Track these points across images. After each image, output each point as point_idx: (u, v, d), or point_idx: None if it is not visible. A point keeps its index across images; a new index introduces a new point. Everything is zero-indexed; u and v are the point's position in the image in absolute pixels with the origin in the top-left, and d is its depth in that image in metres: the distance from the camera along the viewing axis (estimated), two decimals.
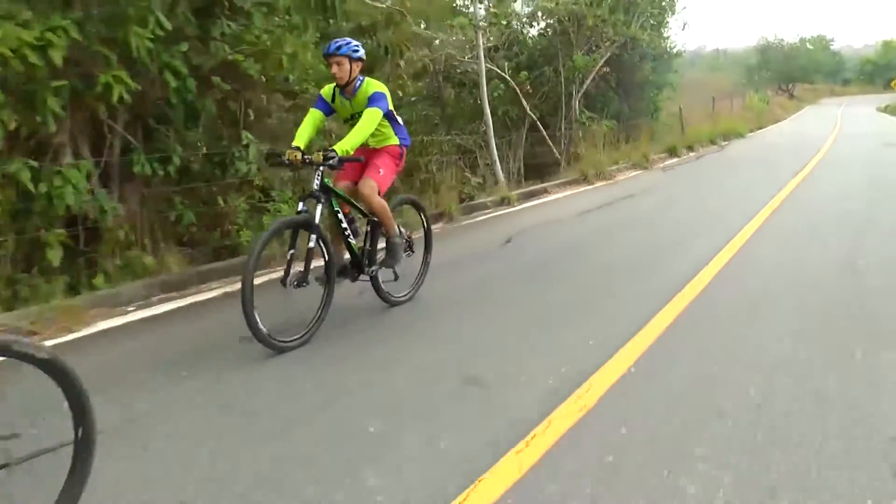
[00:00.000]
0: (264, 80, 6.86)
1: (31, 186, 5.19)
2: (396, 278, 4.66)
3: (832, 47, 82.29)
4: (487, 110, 12.26)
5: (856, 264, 5.15)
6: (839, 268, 5.07)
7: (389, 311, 4.41)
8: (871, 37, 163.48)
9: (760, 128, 26.37)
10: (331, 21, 7.45)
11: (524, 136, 14.40)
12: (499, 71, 13.69)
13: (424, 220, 5.11)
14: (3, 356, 1.94)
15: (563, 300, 4.54)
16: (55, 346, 3.73)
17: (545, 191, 9.84)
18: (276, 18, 6.69)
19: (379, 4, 7.68)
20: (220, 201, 6.95)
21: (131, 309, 4.49)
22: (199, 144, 6.61)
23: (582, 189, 10.22)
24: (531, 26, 16.15)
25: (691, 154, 15.50)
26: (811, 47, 77.09)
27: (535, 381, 3.11)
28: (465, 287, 4.99)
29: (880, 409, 2.75)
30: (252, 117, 6.78)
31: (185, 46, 5.86)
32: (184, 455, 2.58)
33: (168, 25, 5.50)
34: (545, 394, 2.94)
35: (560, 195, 9.66)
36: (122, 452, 2.57)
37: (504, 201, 8.53)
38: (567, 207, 8.42)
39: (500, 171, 11.91)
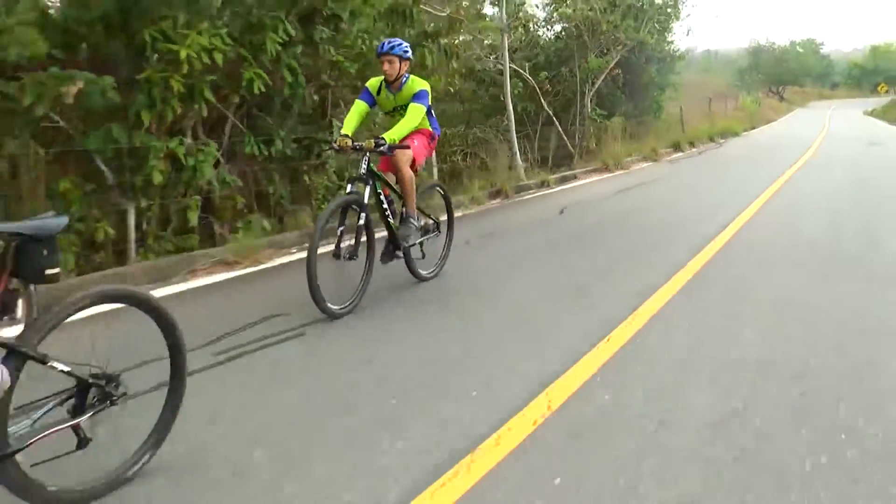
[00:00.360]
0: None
1: (183, 160, 6.49)
2: (423, 256, 5.06)
3: (822, 51, 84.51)
4: (510, 107, 13.56)
5: (837, 232, 6.59)
6: (826, 235, 6.50)
7: (495, 260, 5.74)
8: (861, 41, 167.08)
9: (753, 128, 27.99)
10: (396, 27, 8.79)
11: (539, 131, 15.77)
12: (519, 70, 15.03)
13: (448, 204, 5.55)
14: (121, 303, 2.32)
15: (619, 249, 5.94)
16: (253, 273, 5.06)
17: (575, 176, 11.27)
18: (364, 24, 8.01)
19: (440, 13, 9.02)
20: (307, 179, 8.26)
21: (294, 250, 5.83)
22: (296, 129, 7.89)
23: (605, 176, 11.68)
24: (549, 30, 17.57)
25: (693, 150, 16.99)
26: (801, 51, 79.15)
27: (624, 289, 4.55)
28: (543, 242, 6.38)
29: (834, 292, 4.18)
30: (342, 107, 8.09)
31: (299, 48, 7.18)
32: (375, 340, 3.88)
33: (293, 32, 6.83)
34: (633, 295, 4.37)
35: (588, 180, 11.11)
36: (336, 336, 3.91)
37: (544, 184, 9.94)
38: (597, 189, 9.86)
39: (520, 162, 13.28)
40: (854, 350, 3.51)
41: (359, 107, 4.82)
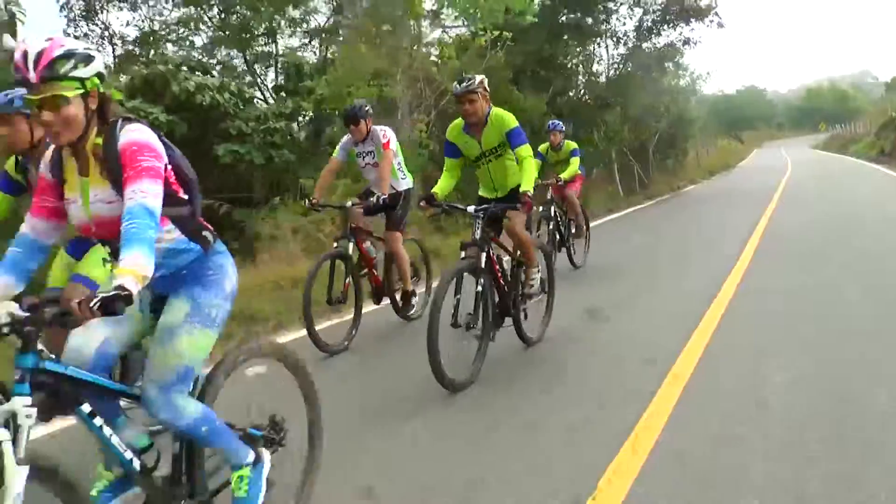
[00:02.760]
0: None
1: None
2: (575, 252, 8.79)
3: (766, 96, 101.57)
4: (613, 154, 25.86)
5: (818, 175, 19.05)
6: (818, 189, 18.90)
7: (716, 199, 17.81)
8: (795, 81, 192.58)
9: (738, 162, 41.52)
10: None
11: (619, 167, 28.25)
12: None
13: (585, 215, 9.34)
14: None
15: (743, 197, 18.11)
16: (609, 220, 17.05)
17: (680, 186, 23.73)
18: None
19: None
20: None
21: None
22: None
23: (695, 186, 24.28)
24: None
25: (719, 175, 29.85)
26: (748, 97, 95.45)
27: (758, 200, 16.57)
28: (708, 202, 18.55)
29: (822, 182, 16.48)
30: None
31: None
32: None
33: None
34: (748, 226, 16.16)
35: (692, 187, 23.64)
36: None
37: (678, 188, 22.28)
38: (708, 188, 22.29)
39: (619, 185, 25.57)
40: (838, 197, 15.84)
41: (537, 163, 7.55)
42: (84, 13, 19.63)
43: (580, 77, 20.65)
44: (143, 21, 20.33)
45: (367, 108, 6.01)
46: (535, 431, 3.58)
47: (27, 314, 1.94)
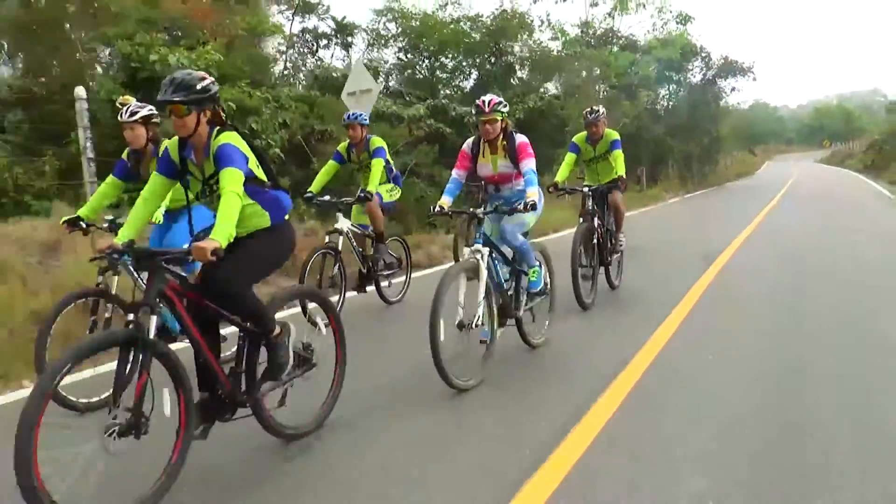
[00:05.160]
0: None
1: None
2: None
3: (776, 113, 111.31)
4: (670, 162, 38.28)
5: (816, 184, 31.52)
6: (813, 185, 31.32)
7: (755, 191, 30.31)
8: (804, 97, 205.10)
9: (756, 171, 54.08)
10: None
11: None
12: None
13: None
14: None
15: (770, 188, 30.42)
16: (687, 197, 29.53)
17: (721, 184, 36.24)
18: None
19: None
20: None
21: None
22: None
23: (733, 182, 36.79)
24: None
25: (745, 178, 42.38)
26: (760, 114, 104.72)
27: (775, 188, 28.97)
28: (744, 193, 31.09)
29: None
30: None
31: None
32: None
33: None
34: (782, 185, 28.77)
35: (729, 183, 36.25)
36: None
37: (720, 184, 34.76)
38: (738, 185, 34.84)
39: (673, 181, 37.92)
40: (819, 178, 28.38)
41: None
42: (305, 52, 29.77)
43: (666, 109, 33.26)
44: (346, 59, 30.73)
45: None
46: (600, 326, 6.40)
47: (481, 212, 4.86)
